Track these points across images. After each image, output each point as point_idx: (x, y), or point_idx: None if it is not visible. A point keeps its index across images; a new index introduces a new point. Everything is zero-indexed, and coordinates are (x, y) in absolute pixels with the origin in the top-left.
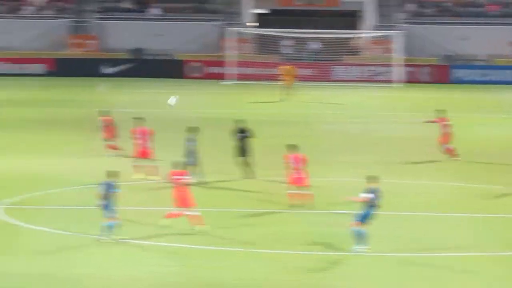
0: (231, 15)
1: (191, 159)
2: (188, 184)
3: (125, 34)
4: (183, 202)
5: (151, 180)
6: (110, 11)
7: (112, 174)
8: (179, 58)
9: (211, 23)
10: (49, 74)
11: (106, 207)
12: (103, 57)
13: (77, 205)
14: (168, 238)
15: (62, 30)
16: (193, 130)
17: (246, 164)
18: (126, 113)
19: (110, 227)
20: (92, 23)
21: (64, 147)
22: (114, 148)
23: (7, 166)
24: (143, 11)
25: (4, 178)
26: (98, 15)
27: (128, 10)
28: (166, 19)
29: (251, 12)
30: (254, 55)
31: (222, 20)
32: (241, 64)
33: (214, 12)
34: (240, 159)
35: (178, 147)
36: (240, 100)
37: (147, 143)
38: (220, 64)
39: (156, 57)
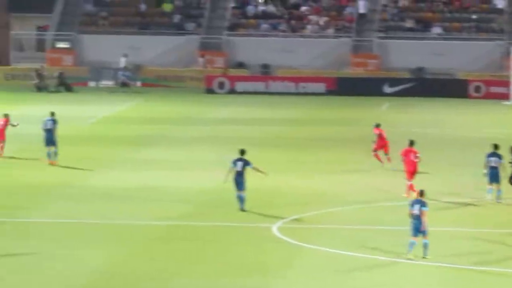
0: None
1: (494, 177)
2: None
3: (406, 53)
4: None
5: None
6: (392, 30)
7: (422, 192)
8: (462, 78)
9: (495, 42)
10: (329, 93)
11: (416, 225)
12: (384, 76)
13: (357, 224)
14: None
15: (344, 49)
16: (497, 147)
17: None
18: (407, 133)
19: (425, 245)
20: (374, 42)
21: (343, 165)
22: (379, 159)
23: (286, 184)
24: (425, 31)
25: (281, 197)
26: (380, 34)
27: (410, 30)
28: (448, 38)
29: None
30: None
31: (506, 39)
32: None
33: (496, 31)
34: None
35: (457, 166)
36: None
37: (414, 164)
38: (503, 83)
39: (438, 77)
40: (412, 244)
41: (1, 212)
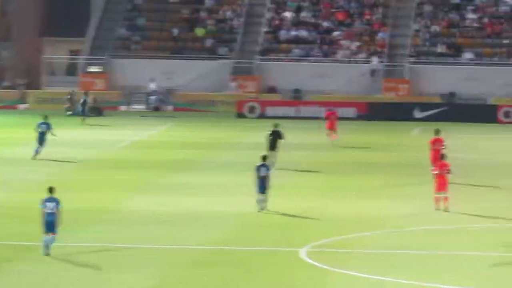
0: None
1: None
2: None
3: (438, 78)
4: None
5: None
6: (423, 55)
7: (264, 157)
8: (493, 103)
9: None
10: (360, 117)
11: (263, 184)
12: (415, 101)
13: (386, 249)
14: None
15: (377, 74)
16: None
17: None
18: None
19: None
20: (405, 67)
21: (372, 190)
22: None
23: (316, 208)
24: (456, 56)
25: (311, 221)
26: (411, 59)
27: (441, 55)
28: (479, 63)
29: None
30: None
31: None
32: None
33: None
34: None
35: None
36: None
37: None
38: None
39: (468, 102)
40: (259, 200)
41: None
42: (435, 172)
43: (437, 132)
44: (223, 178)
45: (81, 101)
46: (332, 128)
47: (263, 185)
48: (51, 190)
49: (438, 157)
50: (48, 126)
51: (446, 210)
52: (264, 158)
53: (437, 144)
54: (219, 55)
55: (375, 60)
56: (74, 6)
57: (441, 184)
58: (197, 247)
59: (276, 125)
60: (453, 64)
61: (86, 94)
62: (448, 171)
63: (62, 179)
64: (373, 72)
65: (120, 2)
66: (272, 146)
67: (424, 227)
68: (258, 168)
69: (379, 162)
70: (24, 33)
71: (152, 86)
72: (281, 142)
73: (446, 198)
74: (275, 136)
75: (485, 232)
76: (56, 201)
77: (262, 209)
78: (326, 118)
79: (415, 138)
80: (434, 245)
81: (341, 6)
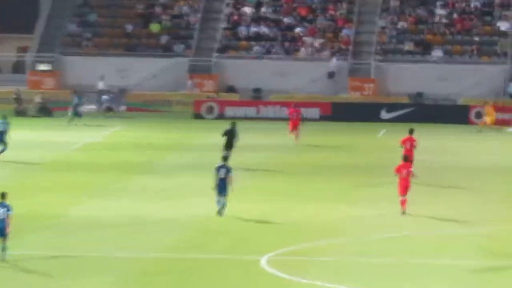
0: None
1: None
2: None
3: (405, 78)
4: None
5: None
6: (390, 53)
7: (225, 158)
8: (463, 103)
9: (497, 66)
10: (323, 118)
11: (222, 187)
12: (382, 101)
13: (349, 256)
14: None
15: (340, 73)
16: None
17: None
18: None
19: (223, 205)
20: (371, 65)
21: (335, 194)
22: None
23: (277, 213)
24: (425, 54)
25: (272, 227)
26: (378, 57)
27: (409, 53)
28: (449, 61)
29: None
30: None
31: (509, 63)
32: None
33: (499, 54)
34: None
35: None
36: None
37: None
38: (505, 109)
39: (438, 102)
40: (218, 202)
41: None
42: (398, 175)
43: (410, 131)
44: (179, 181)
45: (74, 101)
46: (294, 128)
47: (222, 187)
48: (2, 195)
49: (402, 159)
50: (7, 125)
51: (403, 213)
52: (225, 159)
53: (408, 143)
54: (175, 52)
55: (334, 60)
56: (21, 1)
57: (404, 187)
58: (150, 254)
59: (233, 124)
60: (422, 62)
61: (76, 93)
62: (411, 174)
63: (12, 183)
64: (331, 75)
65: None
66: (228, 145)
67: (388, 234)
68: (218, 169)
69: (343, 164)
70: None
71: (101, 85)
72: (236, 142)
73: (405, 201)
74: (231, 135)
75: (451, 238)
76: (7, 207)
77: (220, 213)
78: (290, 118)
79: (381, 139)
80: (398, 252)
81: (303, 1)
